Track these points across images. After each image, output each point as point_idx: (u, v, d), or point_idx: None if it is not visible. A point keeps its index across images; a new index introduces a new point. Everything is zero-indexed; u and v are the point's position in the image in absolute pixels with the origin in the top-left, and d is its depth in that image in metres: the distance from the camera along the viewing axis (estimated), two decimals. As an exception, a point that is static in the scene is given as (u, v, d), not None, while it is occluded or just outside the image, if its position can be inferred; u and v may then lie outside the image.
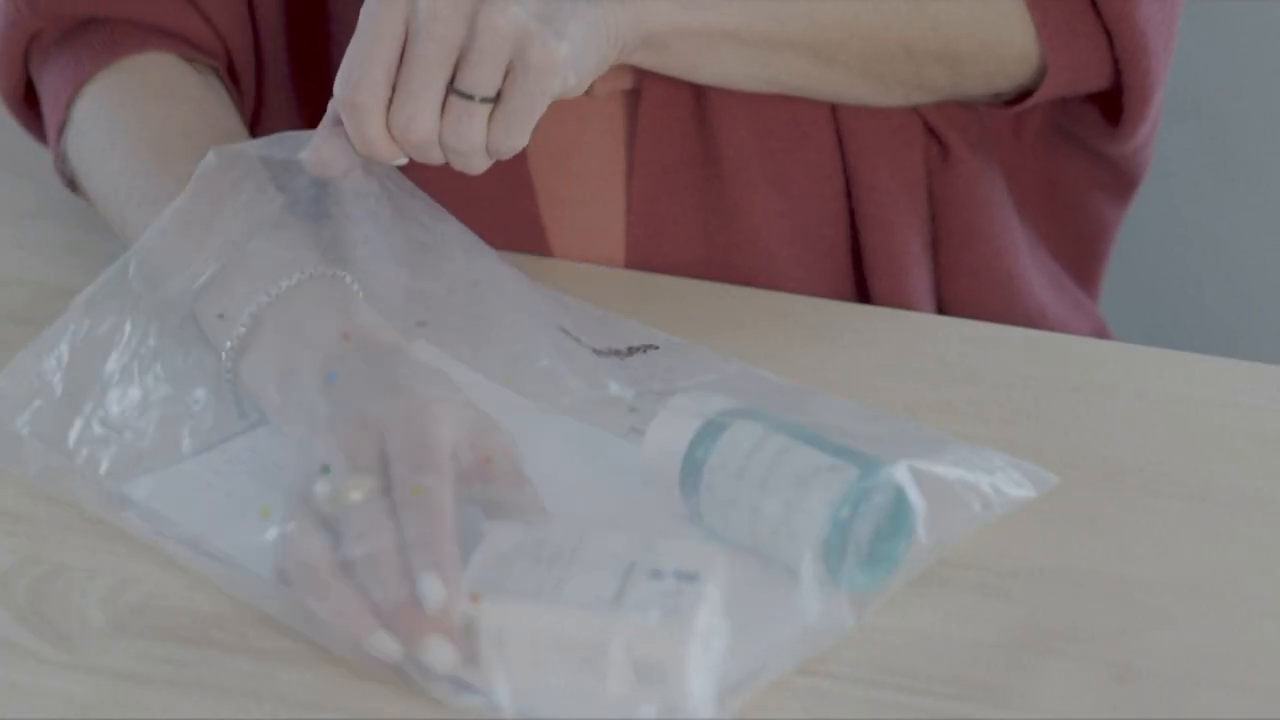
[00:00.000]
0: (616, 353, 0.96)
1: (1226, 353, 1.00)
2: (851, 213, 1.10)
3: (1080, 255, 1.22)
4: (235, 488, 0.88)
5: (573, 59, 0.90)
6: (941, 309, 1.13)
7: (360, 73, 0.89)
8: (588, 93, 0.95)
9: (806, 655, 0.79)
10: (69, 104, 1.07)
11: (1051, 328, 1.13)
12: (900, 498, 0.81)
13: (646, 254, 1.09)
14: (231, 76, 1.11)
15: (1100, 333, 1.21)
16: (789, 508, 0.80)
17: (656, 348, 0.96)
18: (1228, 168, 1.44)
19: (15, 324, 1.02)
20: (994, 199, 1.14)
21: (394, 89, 0.89)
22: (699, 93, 1.07)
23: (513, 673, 0.77)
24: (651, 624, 0.76)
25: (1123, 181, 1.18)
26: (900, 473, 0.81)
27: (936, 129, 1.10)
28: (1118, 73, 1.07)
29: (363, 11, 0.90)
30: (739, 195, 1.08)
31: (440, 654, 0.77)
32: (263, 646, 0.80)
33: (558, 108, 0.93)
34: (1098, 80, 1.08)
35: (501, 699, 0.76)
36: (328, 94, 0.92)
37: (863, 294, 1.12)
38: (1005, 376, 0.98)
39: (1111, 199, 1.19)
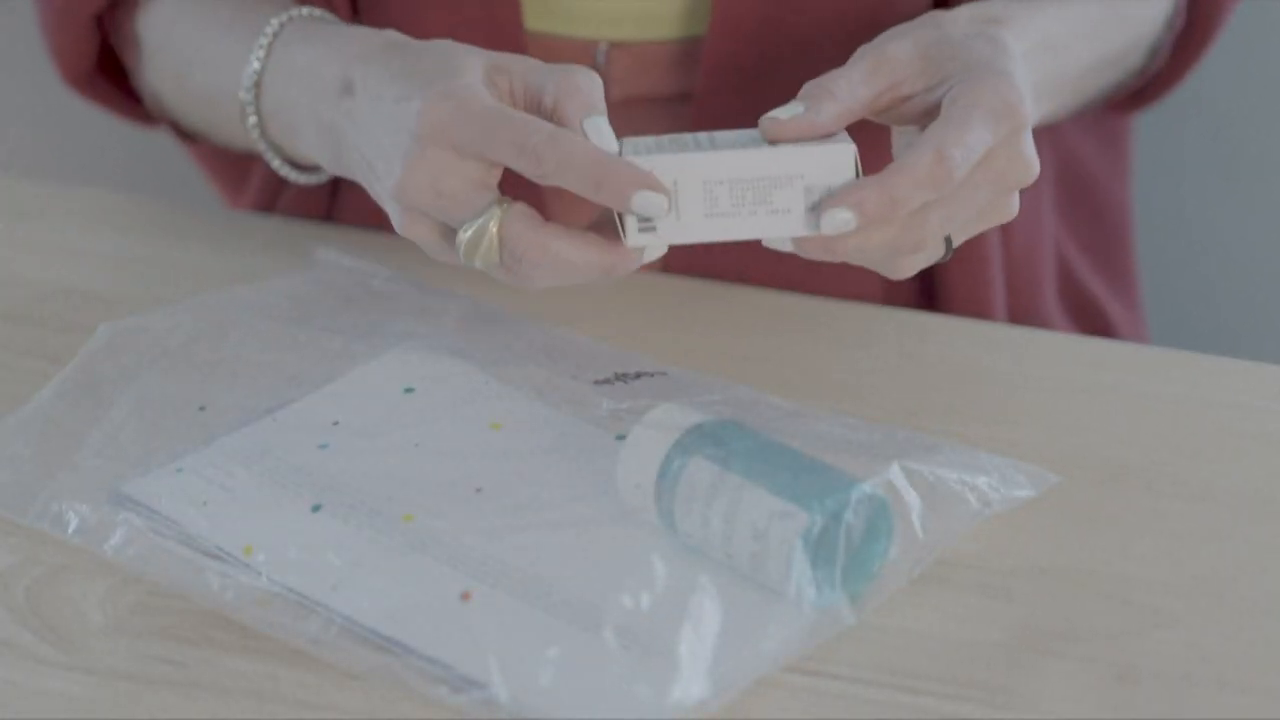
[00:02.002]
0: (622, 377, 0.95)
1: (1228, 353, 1.00)
2: None
3: (1101, 235, 1.22)
4: (235, 483, 0.88)
5: None
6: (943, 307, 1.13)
7: (900, 202, 0.84)
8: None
9: (805, 649, 0.79)
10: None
11: None
12: (875, 505, 0.81)
13: (687, 260, 1.08)
14: None
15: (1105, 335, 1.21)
16: (755, 557, 0.80)
17: (665, 374, 0.96)
18: (1231, 167, 1.44)
19: (15, 324, 1.02)
20: (1024, 204, 1.14)
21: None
22: (753, 99, 1.06)
23: (689, 225, 0.85)
24: (825, 147, 0.85)
25: (1113, 135, 1.20)
26: (867, 486, 0.81)
27: None
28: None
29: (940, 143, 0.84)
30: None
31: (650, 200, 0.83)
32: (263, 647, 0.81)
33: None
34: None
35: (500, 696, 0.76)
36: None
37: (926, 303, 1.11)
38: (1006, 376, 0.98)
39: (1107, 155, 1.20)
